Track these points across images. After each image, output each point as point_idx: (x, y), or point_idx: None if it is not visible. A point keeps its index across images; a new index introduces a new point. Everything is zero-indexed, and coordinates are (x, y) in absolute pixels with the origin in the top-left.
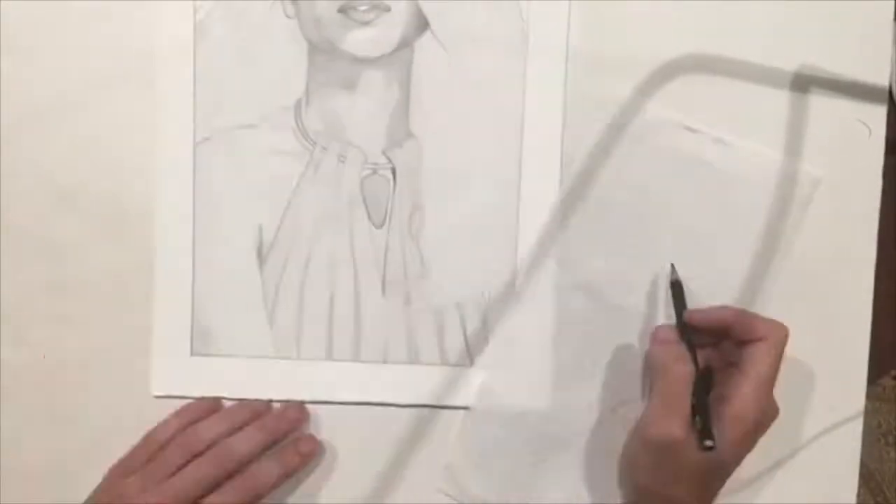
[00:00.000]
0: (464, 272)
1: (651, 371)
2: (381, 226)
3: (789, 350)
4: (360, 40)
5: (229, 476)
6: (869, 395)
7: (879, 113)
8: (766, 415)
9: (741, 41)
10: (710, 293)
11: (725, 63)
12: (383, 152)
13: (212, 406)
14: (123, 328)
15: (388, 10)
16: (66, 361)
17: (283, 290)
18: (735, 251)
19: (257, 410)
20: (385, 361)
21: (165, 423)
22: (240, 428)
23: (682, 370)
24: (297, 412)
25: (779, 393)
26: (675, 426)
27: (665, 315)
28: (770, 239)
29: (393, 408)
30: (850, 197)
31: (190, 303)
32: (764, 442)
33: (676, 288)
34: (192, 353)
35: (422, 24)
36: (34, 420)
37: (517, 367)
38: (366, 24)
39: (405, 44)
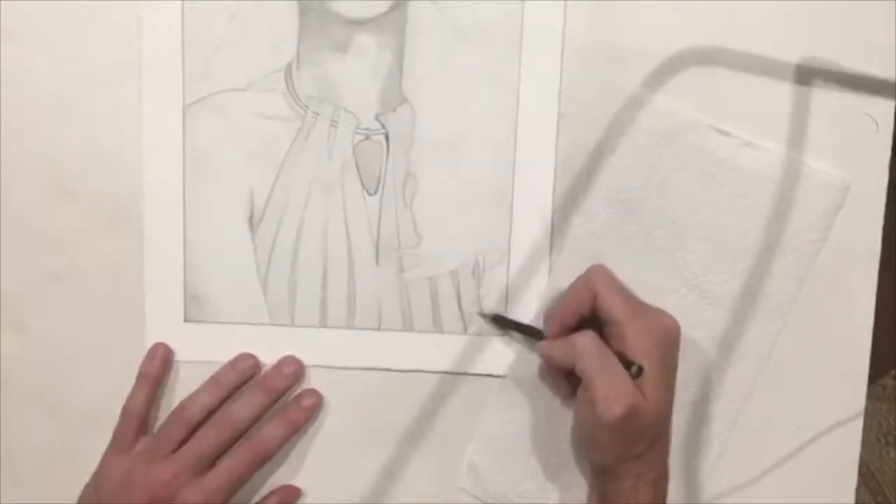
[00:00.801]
0: (458, 239)
1: (572, 365)
2: (374, 192)
3: (790, 348)
4: (352, 1)
5: (234, 441)
6: (869, 396)
7: (887, 107)
8: (663, 329)
9: (747, 34)
10: (730, 298)
11: (732, 55)
12: (376, 117)
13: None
14: (122, 315)
15: None
16: (63, 350)
17: (275, 257)
18: (759, 257)
19: (246, 371)
20: (379, 328)
21: (197, 396)
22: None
23: (588, 339)
24: (292, 365)
25: (779, 392)
26: (628, 392)
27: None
28: (796, 244)
29: (388, 372)
30: (855, 193)
31: (182, 269)
32: (765, 442)
33: (500, 320)
34: (186, 320)
35: None
36: (32, 407)
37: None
38: None
39: (398, 5)
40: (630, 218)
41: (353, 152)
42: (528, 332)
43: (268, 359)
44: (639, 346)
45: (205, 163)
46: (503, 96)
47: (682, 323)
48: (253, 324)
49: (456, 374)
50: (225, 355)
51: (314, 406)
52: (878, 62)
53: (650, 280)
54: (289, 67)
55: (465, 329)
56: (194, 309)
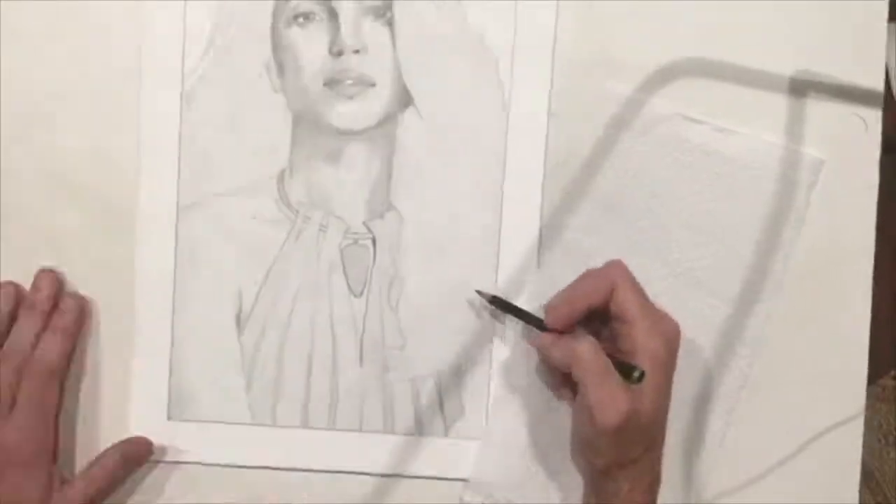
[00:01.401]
0: (442, 342)
1: (569, 368)
2: (360, 295)
3: (789, 349)
4: (344, 114)
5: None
6: (869, 396)
7: (875, 115)
8: (669, 332)
9: (737, 44)
10: (718, 283)
11: (722, 66)
12: (364, 223)
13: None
14: (106, 412)
15: (372, 84)
16: None
17: (260, 358)
18: (742, 239)
19: (10, 296)
20: (361, 430)
21: None
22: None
23: (587, 346)
24: (47, 276)
25: (779, 392)
26: (624, 400)
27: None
28: (776, 224)
29: (367, 476)
30: (847, 195)
31: (168, 367)
32: (765, 442)
33: (499, 302)
34: (169, 418)
35: (405, 98)
36: None
37: (494, 440)
38: (350, 98)
39: (389, 117)
40: (610, 214)
41: (340, 256)
42: (527, 320)
43: (248, 459)
44: (646, 347)
45: (196, 263)
46: (488, 205)
47: (674, 311)
48: (235, 423)
49: (437, 480)
50: (206, 454)
51: (77, 306)
52: (864, 71)
53: (637, 272)
54: (282, 174)
55: (447, 432)
56: (177, 407)
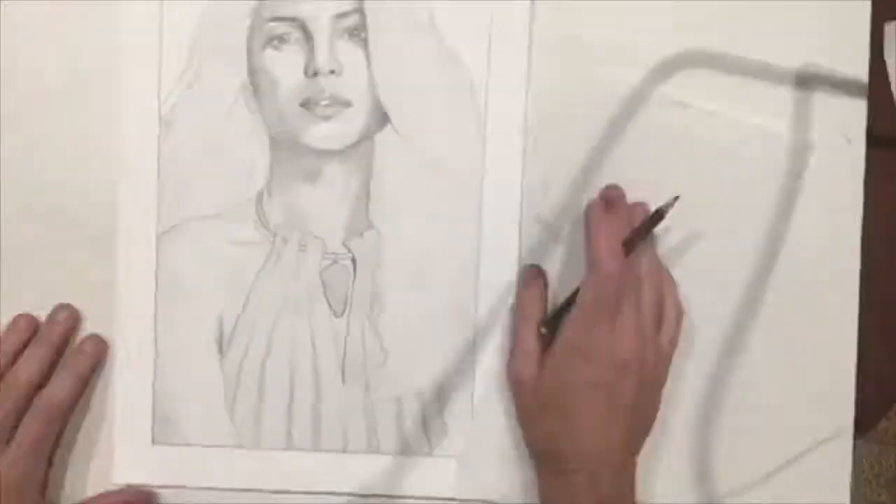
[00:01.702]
0: (423, 360)
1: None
2: (341, 315)
3: (776, 364)
4: (321, 134)
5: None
6: (867, 439)
7: (859, 120)
8: (592, 340)
9: (745, 36)
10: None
11: (728, 58)
12: (343, 243)
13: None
14: (89, 439)
15: (349, 104)
16: None
17: (243, 380)
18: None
19: (25, 330)
20: (345, 450)
21: None
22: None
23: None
24: (65, 311)
25: (765, 409)
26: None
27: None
28: (776, 208)
29: (353, 497)
30: (833, 208)
31: (151, 392)
32: (751, 459)
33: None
34: (154, 442)
35: (382, 117)
36: None
37: (476, 456)
38: (327, 118)
39: (366, 137)
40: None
41: (320, 276)
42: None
43: (233, 481)
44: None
45: (176, 288)
46: (466, 221)
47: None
48: (219, 446)
49: (423, 499)
50: (191, 478)
51: (98, 351)
52: (849, 66)
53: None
54: (259, 196)
55: (431, 451)
56: (162, 431)
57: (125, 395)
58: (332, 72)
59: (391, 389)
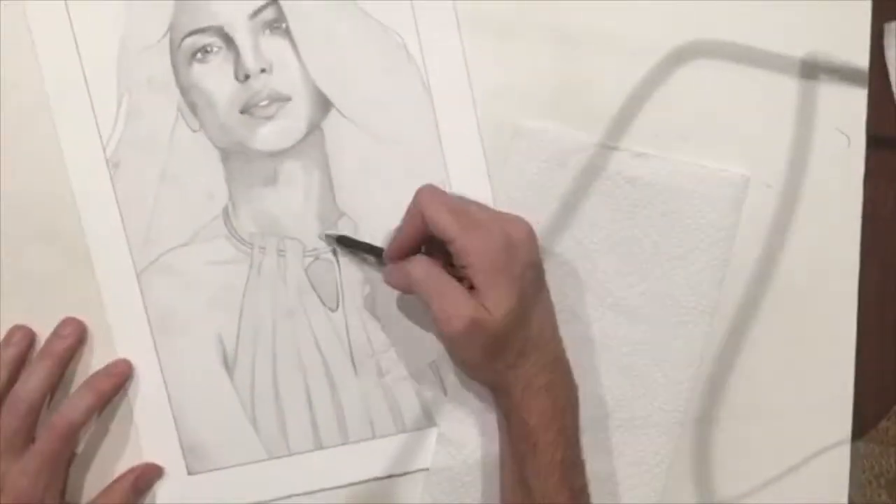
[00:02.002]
0: (429, 332)
1: (411, 292)
2: (336, 308)
3: (774, 373)
4: (268, 135)
5: (38, 414)
6: (867, 439)
7: (860, 114)
8: (501, 235)
9: (750, 28)
10: (648, 310)
11: (734, 48)
12: (320, 237)
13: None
14: (116, 453)
15: (288, 99)
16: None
17: (258, 394)
18: (668, 264)
19: (21, 342)
20: (374, 437)
21: None
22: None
23: (418, 263)
24: (70, 325)
25: (764, 417)
26: (467, 307)
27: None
28: (705, 246)
29: (394, 479)
30: (833, 210)
31: (173, 425)
32: (750, 467)
33: (345, 240)
34: (189, 473)
35: (325, 104)
36: None
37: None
38: (270, 118)
39: (313, 127)
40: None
41: (306, 275)
42: (370, 252)
43: (272, 492)
44: (472, 256)
45: (169, 320)
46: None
47: (608, 341)
48: (252, 462)
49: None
50: (233, 498)
51: (123, 374)
52: (850, 56)
53: (565, 303)
54: (225, 211)
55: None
56: (195, 461)
57: (148, 431)
58: (263, 70)
59: (404, 368)
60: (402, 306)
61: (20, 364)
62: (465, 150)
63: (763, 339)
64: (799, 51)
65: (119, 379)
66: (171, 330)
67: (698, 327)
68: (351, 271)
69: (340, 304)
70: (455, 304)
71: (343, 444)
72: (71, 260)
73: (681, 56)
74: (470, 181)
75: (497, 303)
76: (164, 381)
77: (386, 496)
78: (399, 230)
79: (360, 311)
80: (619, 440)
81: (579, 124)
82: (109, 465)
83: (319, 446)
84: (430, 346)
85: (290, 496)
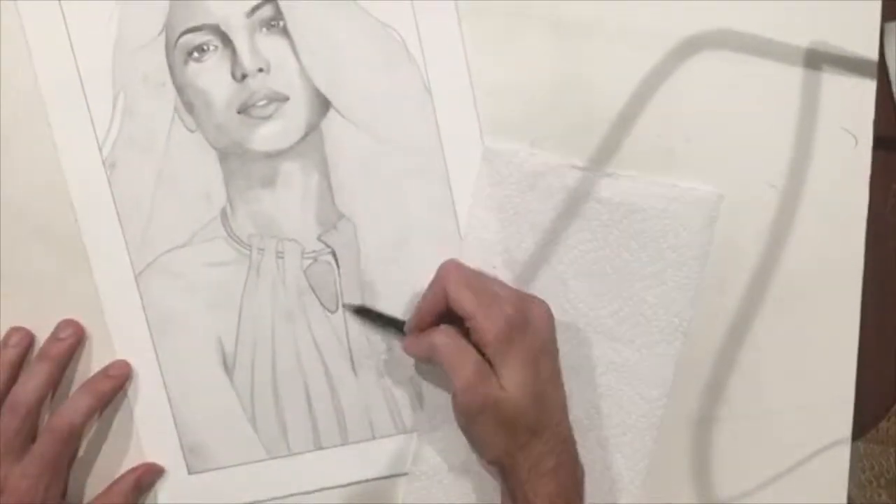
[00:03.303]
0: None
1: (433, 362)
2: (335, 310)
3: (775, 372)
4: (266, 136)
5: (38, 416)
6: (864, 437)
7: (866, 123)
8: (519, 315)
9: (756, 17)
10: (621, 330)
11: (742, 38)
12: (319, 238)
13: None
14: (117, 452)
15: (286, 99)
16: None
17: (257, 394)
18: (640, 283)
19: (20, 344)
20: (373, 438)
21: None
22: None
23: (440, 333)
24: (69, 328)
25: (764, 417)
26: (485, 384)
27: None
28: (677, 265)
29: (392, 479)
30: (836, 210)
31: (173, 426)
32: (749, 467)
33: (364, 312)
34: (190, 472)
35: (323, 104)
36: None
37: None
38: (268, 118)
39: (312, 127)
40: (506, 271)
41: (305, 277)
42: (390, 326)
43: (272, 492)
44: (490, 334)
45: (169, 323)
46: (434, 184)
47: (581, 361)
48: (252, 462)
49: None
50: (233, 498)
51: (122, 376)
52: (861, 47)
53: None
54: (223, 212)
55: None
56: (195, 461)
57: (149, 432)
58: (261, 70)
59: (404, 371)
60: (402, 310)
61: (19, 366)
62: (465, 150)
63: (764, 339)
64: (804, 42)
65: (118, 380)
66: (170, 331)
67: (671, 346)
68: (351, 274)
69: (340, 306)
70: (474, 378)
71: (343, 444)
72: (70, 261)
73: (686, 50)
74: (471, 182)
75: (512, 381)
76: (164, 382)
77: (386, 496)
78: (421, 303)
79: None
80: (595, 457)
81: (582, 121)
82: (111, 466)
83: (319, 446)
84: None
85: (289, 496)
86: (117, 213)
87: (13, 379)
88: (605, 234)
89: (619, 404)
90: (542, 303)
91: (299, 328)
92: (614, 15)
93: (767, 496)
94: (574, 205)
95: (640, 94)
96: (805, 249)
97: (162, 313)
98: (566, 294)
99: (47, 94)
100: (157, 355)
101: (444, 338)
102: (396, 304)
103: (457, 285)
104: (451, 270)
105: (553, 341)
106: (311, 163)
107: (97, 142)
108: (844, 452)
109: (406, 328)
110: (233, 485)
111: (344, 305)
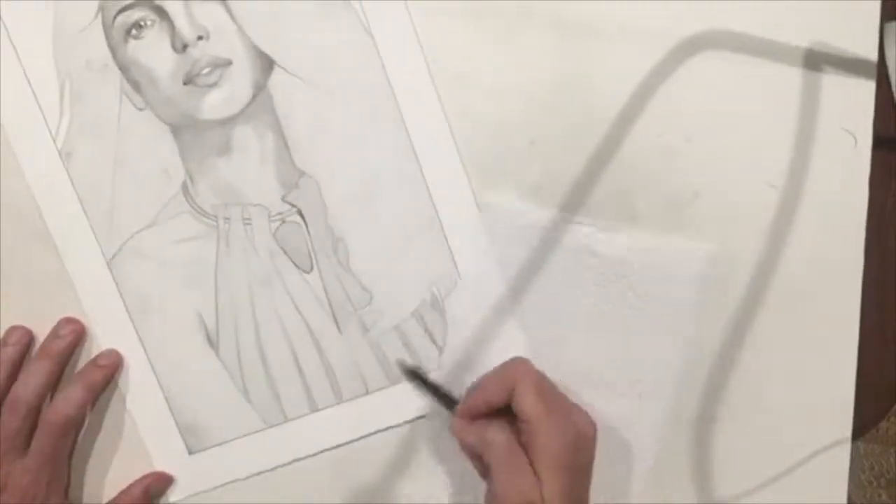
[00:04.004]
0: (406, 280)
1: (480, 452)
2: (310, 269)
3: (775, 372)
4: (215, 103)
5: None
6: (864, 437)
7: (866, 123)
8: (574, 432)
9: (755, 18)
10: (615, 379)
11: (740, 39)
12: (283, 199)
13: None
14: (125, 459)
15: (229, 63)
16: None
17: (245, 365)
18: (636, 337)
19: (20, 341)
20: (367, 393)
21: None
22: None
23: (498, 434)
24: (69, 325)
25: (764, 416)
26: (530, 489)
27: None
28: (673, 320)
29: (394, 429)
30: (836, 210)
31: (167, 409)
32: (749, 467)
33: (410, 373)
34: (190, 453)
35: (267, 63)
36: None
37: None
38: (214, 85)
39: (259, 88)
40: (508, 316)
41: (275, 240)
42: (442, 400)
43: (275, 460)
44: (546, 450)
45: (146, 304)
46: (391, 130)
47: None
48: (250, 433)
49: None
50: (236, 472)
51: (113, 364)
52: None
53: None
54: (184, 187)
55: (440, 364)
56: (194, 440)
57: (143, 417)
58: (200, 38)
59: (388, 321)
60: (378, 260)
61: (19, 364)
62: (416, 92)
63: (764, 339)
64: (804, 43)
65: (109, 370)
66: (150, 314)
67: (663, 401)
68: (321, 231)
69: (314, 264)
70: (521, 485)
71: (338, 403)
72: (43, 258)
73: (686, 50)
74: (426, 124)
75: (553, 496)
76: (152, 366)
77: (387, 448)
78: (480, 392)
79: (336, 270)
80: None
81: (582, 121)
82: (109, 456)
83: (315, 408)
84: (410, 294)
85: (292, 461)
86: (80, 202)
87: (13, 377)
88: (600, 288)
89: (608, 451)
90: (591, 420)
91: (277, 292)
92: (614, 15)
93: (767, 496)
94: (570, 258)
95: (641, 93)
96: (805, 249)
97: (139, 297)
98: (561, 343)
99: None
100: (140, 339)
101: (500, 437)
102: (370, 257)
103: (526, 387)
104: (520, 371)
105: (592, 461)
106: (263, 124)
107: (50, 133)
108: (844, 452)
109: (458, 411)
110: (235, 459)
111: (398, 363)
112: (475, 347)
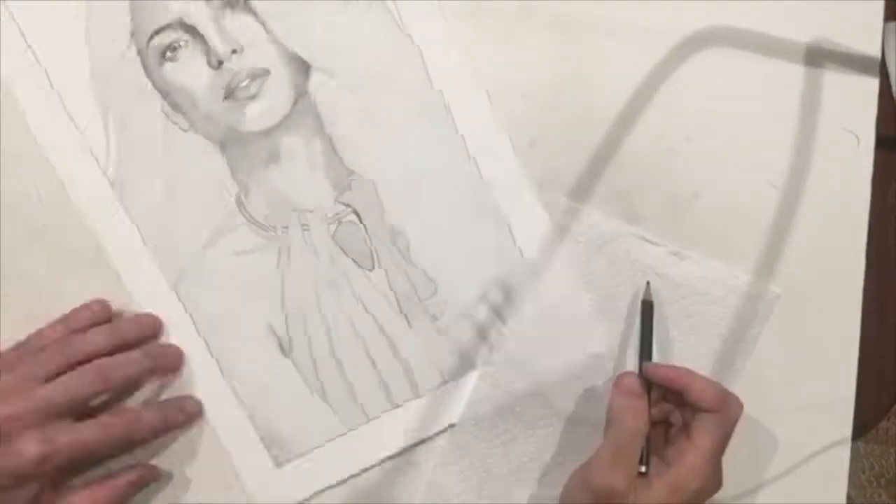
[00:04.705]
0: (471, 266)
1: (609, 418)
2: (372, 267)
3: (776, 372)
4: (257, 114)
5: (104, 397)
6: (864, 437)
7: (868, 122)
8: (707, 487)
9: (758, 15)
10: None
11: (743, 35)
12: (337, 200)
13: (101, 310)
14: (213, 472)
15: (267, 73)
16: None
17: (320, 369)
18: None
19: (146, 325)
20: (445, 383)
21: (52, 325)
22: (127, 346)
23: (636, 425)
24: (149, 318)
25: (765, 416)
26: (619, 478)
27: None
28: (726, 352)
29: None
30: (837, 209)
31: (249, 423)
32: (750, 466)
33: (646, 308)
34: (277, 465)
35: (305, 67)
36: None
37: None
38: (254, 97)
39: (300, 94)
40: (552, 321)
41: (334, 242)
42: (645, 344)
43: (359, 463)
44: (678, 484)
45: (216, 321)
46: (438, 119)
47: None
48: (333, 438)
49: None
50: (326, 479)
51: (195, 415)
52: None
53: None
54: (239, 200)
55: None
56: (279, 452)
57: (228, 436)
58: (235, 51)
59: (456, 309)
60: (440, 249)
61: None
62: (456, 78)
63: (764, 339)
64: (806, 38)
65: (187, 418)
66: (221, 331)
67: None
68: (379, 228)
69: (376, 261)
70: (612, 467)
71: (415, 397)
72: (69, 262)
73: (687, 48)
74: (469, 112)
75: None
76: (229, 383)
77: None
78: (686, 372)
79: (398, 264)
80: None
81: (582, 121)
82: (197, 478)
83: (394, 405)
84: (474, 279)
85: (379, 462)
86: (139, 232)
87: (108, 348)
88: (661, 310)
89: None
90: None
91: (343, 294)
92: (615, 14)
93: (767, 496)
94: (635, 276)
95: (641, 93)
96: (805, 249)
97: (207, 316)
98: (612, 358)
99: (38, 131)
100: (214, 358)
101: (632, 403)
102: (431, 247)
103: (724, 427)
104: (735, 408)
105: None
106: (308, 129)
107: (99, 166)
108: (844, 452)
109: (647, 368)
110: (322, 466)
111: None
112: (543, 323)
